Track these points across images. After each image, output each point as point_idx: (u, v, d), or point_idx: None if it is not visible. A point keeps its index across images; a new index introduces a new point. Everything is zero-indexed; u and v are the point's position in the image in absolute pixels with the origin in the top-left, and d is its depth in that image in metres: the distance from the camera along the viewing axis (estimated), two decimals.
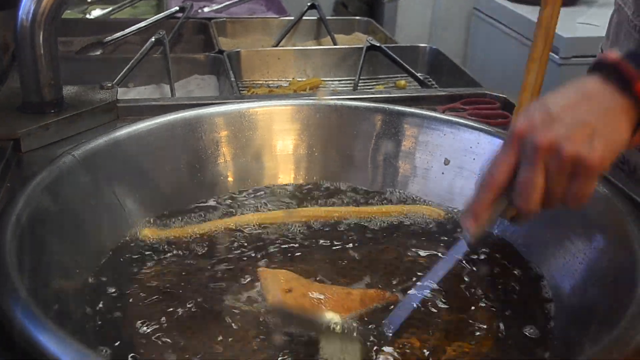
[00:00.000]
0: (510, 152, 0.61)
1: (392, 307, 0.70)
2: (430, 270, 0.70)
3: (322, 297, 0.69)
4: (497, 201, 0.63)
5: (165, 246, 0.82)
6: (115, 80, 1.22)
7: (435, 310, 0.72)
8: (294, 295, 0.69)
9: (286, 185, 0.99)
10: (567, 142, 0.58)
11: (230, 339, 0.66)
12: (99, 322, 0.68)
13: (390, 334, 0.65)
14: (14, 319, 0.55)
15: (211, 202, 0.93)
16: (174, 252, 0.81)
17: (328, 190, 0.98)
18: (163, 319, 0.69)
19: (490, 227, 0.67)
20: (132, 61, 1.36)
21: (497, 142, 0.89)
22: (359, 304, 0.67)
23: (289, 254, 0.81)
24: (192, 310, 0.71)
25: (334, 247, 0.83)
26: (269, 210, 0.91)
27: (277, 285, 0.71)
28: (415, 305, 0.67)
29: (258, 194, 0.96)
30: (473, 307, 0.73)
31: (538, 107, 0.61)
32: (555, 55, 2.15)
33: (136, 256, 0.80)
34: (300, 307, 0.65)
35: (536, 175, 0.59)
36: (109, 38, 1.56)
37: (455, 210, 0.91)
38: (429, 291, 0.69)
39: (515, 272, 0.80)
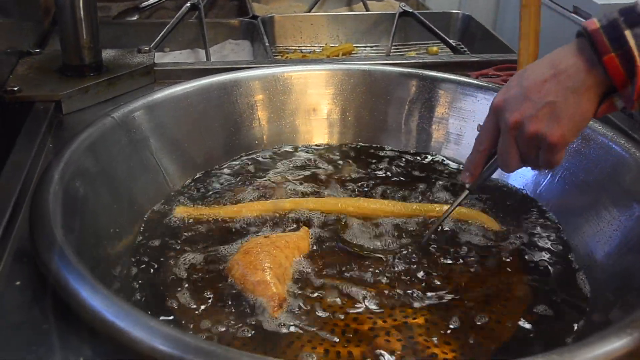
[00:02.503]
0: (491, 122, 0.70)
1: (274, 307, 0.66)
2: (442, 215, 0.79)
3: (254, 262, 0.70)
4: (486, 159, 0.73)
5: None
6: (152, 45, 1.23)
7: (471, 275, 0.73)
8: (252, 248, 0.72)
9: (319, 147, 1.00)
10: (531, 121, 0.64)
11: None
12: (137, 279, 0.71)
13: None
14: (57, 274, 0.57)
15: (245, 164, 0.94)
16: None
17: (367, 151, 0.99)
18: (194, 277, 0.71)
19: (486, 179, 0.76)
20: (168, 26, 1.37)
21: None
22: (252, 286, 0.68)
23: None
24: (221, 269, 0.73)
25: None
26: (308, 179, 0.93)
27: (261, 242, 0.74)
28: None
29: (291, 156, 0.97)
30: (505, 272, 0.74)
31: (515, 81, 0.66)
32: None
33: (174, 216, 0.81)
34: (234, 264, 0.71)
35: (509, 146, 0.67)
36: (145, 3, 1.57)
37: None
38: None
39: (548, 239, 0.80)
